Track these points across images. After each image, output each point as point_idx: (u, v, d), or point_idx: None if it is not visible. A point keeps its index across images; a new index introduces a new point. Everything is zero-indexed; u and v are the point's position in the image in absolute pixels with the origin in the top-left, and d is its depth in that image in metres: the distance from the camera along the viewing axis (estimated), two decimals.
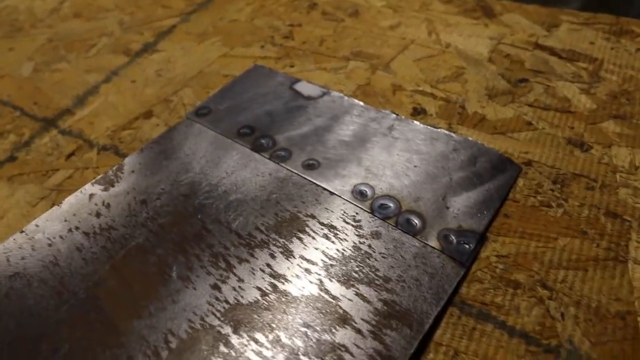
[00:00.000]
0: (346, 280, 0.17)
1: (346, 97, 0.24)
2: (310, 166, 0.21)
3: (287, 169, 0.21)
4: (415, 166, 0.20)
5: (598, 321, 0.15)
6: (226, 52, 0.30)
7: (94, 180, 0.22)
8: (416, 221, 0.18)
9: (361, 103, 0.24)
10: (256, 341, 0.15)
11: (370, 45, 0.28)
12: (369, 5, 0.32)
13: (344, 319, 0.16)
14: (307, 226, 0.19)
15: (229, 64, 0.29)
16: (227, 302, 0.16)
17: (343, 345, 0.15)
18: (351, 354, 0.15)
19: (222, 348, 0.15)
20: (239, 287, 0.17)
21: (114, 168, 0.23)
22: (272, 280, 0.17)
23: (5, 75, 0.33)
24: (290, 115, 0.24)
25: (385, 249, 0.17)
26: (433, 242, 0.17)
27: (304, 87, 0.25)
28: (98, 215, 0.20)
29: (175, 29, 0.33)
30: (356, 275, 0.17)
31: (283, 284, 0.17)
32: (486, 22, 0.28)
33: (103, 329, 0.16)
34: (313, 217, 0.19)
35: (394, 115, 0.23)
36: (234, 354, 0.15)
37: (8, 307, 0.17)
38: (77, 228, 0.20)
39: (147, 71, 0.30)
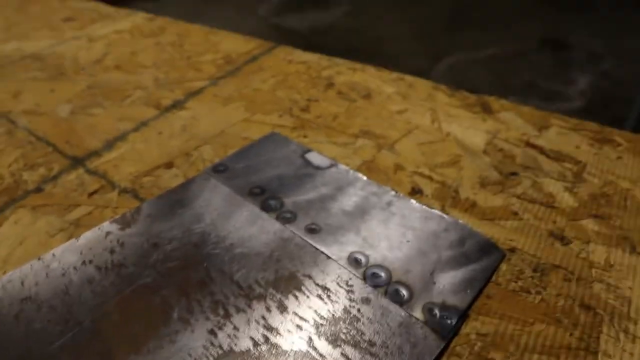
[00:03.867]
0: (334, 340, 0.18)
1: (351, 171, 0.27)
2: (312, 230, 0.23)
3: (291, 231, 0.23)
4: (408, 241, 0.22)
5: None
6: (247, 116, 0.33)
7: (112, 219, 0.24)
8: (404, 292, 0.20)
9: (365, 177, 0.26)
10: None
11: (378, 126, 0.32)
12: (380, 91, 0.36)
13: None
14: (303, 285, 0.20)
15: (249, 127, 0.32)
16: (221, 347, 0.18)
17: None
18: None
19: None
20: (234, 335, 0.18)
21: (132, 210, 0.25)
22: (265, 332, 0.18)
23: (43, 113, 0.36)
24: (299, 181, 0.26)
25: (373, 314, 0.19)
26: (418, 314, 0.19)
27: (314, 157, 0.28)
28: (112, 252, 0.22)
29: (203, 91, 0.37)
30: (343, 337, 0.18)
31: (275, 337, 0.18)
32: (484, 117, 0.32)
33: (102, 359, 0.17)
34: (310, 277, 0.21)
35: (394, 192, 0.25)
36: None
37: (16, 328, 0.19)
38: (90, 262, 0.22)
39: (174, 125, 0.33)
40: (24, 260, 0.23)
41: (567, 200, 0.25)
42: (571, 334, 0.19)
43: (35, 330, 0.19)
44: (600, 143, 0.29)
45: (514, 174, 0.27)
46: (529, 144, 0.29)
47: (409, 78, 0.37)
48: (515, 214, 0.24)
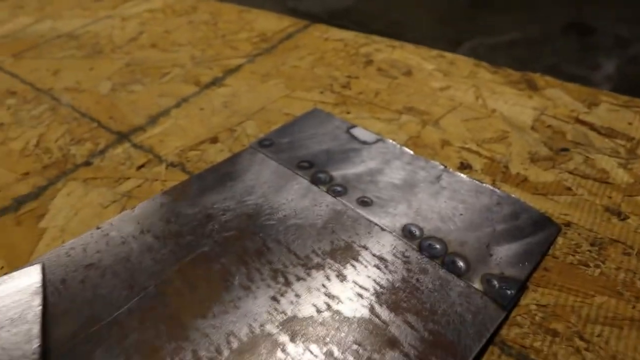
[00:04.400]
0: (395, 308, 0.18)
1: (398, 146, 0.27)
2: (364, 203, 0.23)
3: (343, 203, 0.23)
4: (460, 214, 0.22)
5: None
6: (287, 93, 0.34)
7: (165, 191, 0.25)
8: (461, 263, 0.20)
9: (412, 152, 0.26)
10: (311, 352, 0.17)
11: (422, 102, 0.31)
12: (420, 68, 0.35)
13: (393, 343, 0.17)
14: (360, 255, 0.20)
15: (290, 104, 0.32)
16: (284, 313, 0.18)
17: None
18: None
19: (279, 354, 0.17)
20: (296, 301, 0.19)
21: (183, 183, 0.25)
22: (327, 300, 0.19)
23: (84, 90, 0.37)
24: (346, 155, 0.26)
25: (432, 284, 0.19)
26: (476, 284, 0.19)
27: (359, 133, 0.28)
28: (168, 222, 0.23)
29: (241, 68, 0.37)
30: (404, 305, 0.18)
31: (337, 304, 0.18)
32: (530, 94, 0.31)
33: (170, 322, 0.18)
34: (366, 248, 0.21)
35: (442, 167, 0.25)
36: (277, 356, 0.17)
37: (83, 293, 0.19)
38: (148, 231, 0.22)
39: (214, 102, 0.33)
40: (81, 229, 0.24)
41: (621, 176, 0.25)
42: (633, 307, 0.19)
43: (102, 295, 0.19)
44: None
45: (564, 149, 0.26)
46: (578, 120, 0.29)
47: (449, 55, 0.37)
48: (569, 189, 0.24)
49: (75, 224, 0.25)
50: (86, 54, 0.42)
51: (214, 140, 0.30)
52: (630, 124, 0.28)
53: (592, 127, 0.28)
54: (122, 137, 0.31)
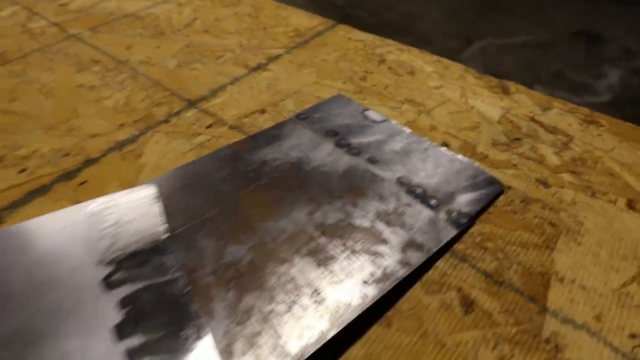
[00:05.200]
0: (387, 223, 0.29)
1: (399, 125, 0.38)
2: (372, 160, 0.34)
3: (357, 160, 0.34)
4: (438, 173, 0.33)
5: (527, 277, 0.27)
6: (318, 80, 0.44)
7: (229, 144, 0.36)
8: (434, 202, 0.31)
9: (408, 131, 0.37)
10: (333, 242, 0.28)
11: (419, 96, 0.42)
12: (422, 69, 0.46)
13: (384, 242, 0.28)
14: (367, 193, 0.31)
15: (320, 89, 0.43)
16: (317, 221, 0.29)
17: (380, 254, 0.27)
18: (384, 258, 0.27)
19: (312, 243, 0.28)
20: (325, 215, 0.29)
21: (242, 140, 0.36)
22: (344, 216, 0.29)
23: (155, 64, 0.47)
24: (360, 129, 0.37)
25: (412, 212, 0.30)
26: (442, 215, 0.30)
27: (371, 114, 0.39)
28: (235, 163, 0.33)
29: (280, 57, 0.48)
30: (393, 222, 0.29)
31: (350, 218, 0.29)
32: (502, 97, 0.42)
33: (243, 226, 0.29)
34: (372, 189, 0.32)
35: (429, 142, 0.36)
36: (321, 246, 0.27)
37: (182, 203, 0.30)
38: (222, 168, 0.33)
39: (261, 83, 0.44)
40: (170, 166, 0.35)
41: (553, 160, 0.35)
42: (539, 238, 0.30)
43: (196, 205, 0.30)
44: (588, 123, 0.39)
45: (518, 139, 0.37)
46: (533, 119, 0.39)
47: (445, 61, 0.47)
48: (515, 165, 0.35)
49: (165, 162, 0.36)
50: (151, 34, 0.52)
51: (262, 111, 0.40)
52: (570, 125, 0.39)
53: (541, 125, 0.39)
54: (190, 103, 0.42)
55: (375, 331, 0.25)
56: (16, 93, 0.44)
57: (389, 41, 0.50)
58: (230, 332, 0.23)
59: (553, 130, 0.38)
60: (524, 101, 0.42)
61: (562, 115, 0.40)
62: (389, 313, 0.26)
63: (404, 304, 0.26)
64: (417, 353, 0.24)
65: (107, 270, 0.25)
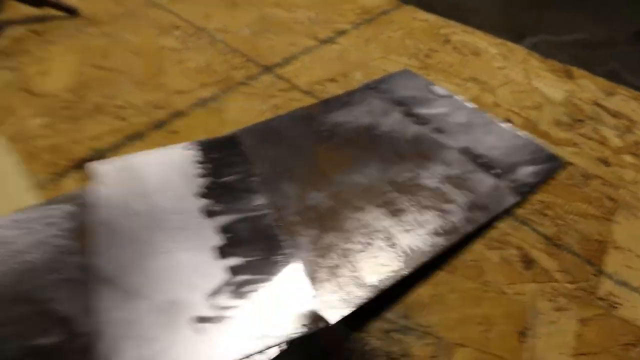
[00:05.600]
0: (455, 185, 0.32)
1: (463, 100, 0.40)
2: (438, 130, 0.36)
3: (424, 129, 0.36)
4: (500, 147, 0.35)
5: (585, 242, 0.29)
6: (384, 55, 0.47)
7: (304, 106, 0.39)
8: (498, 171, 0.33)
9: (472, 105, 0.39)
10: (404, 196, 0.31)
11: (483, 76, 0.44)
12: (486, 51, 0.47)
13: (451, 201, 0.31)
14: (433, 159, 0.34)
15: (386, 63, 0.45)
16: (389, 177, 0.32)
17: (447, 211, 0.30)
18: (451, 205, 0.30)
19: (384, 196, 0.31)
20: (396, 172, 0.32)
21: (316, 103, 0.39)
22: (413, 175, 0.32)
23: (231, 32, 0.51)
24: (427, 101, 0.40)
25: (478, 179, 0.32)
26: (504, 183, 0.32)
27: (436, 89, 0.41)
28: (310, 122, 0.37)
29: (348, 32, 0.50)
30: (460, 185, 0.32)
31: (418, 179, 0.32)
32: (565, 80, 0.43)
33: (321, 176, 0.32)
34: (437, 155, 0.34)
35: (492, 118, 0.38)
36: (392, 199, 0.30)
37: (267, 151, 0.34)
38: (298, 126, 0.36)
39: (331, 54, 0.47)
40: (249, 122, 0.38)
41: (615, 142, 0.37)
42: (597, 209, 0.31)
43: (277, 155, 0.34)
44: None
45: (580, 120, 0.39)
46: (596, 103, 0.41)
47: (509, 44, 0.49)
48: (576, 144, 0.36)
49: (245, 118, 0.39)
50: (226, 4, 0.56)
51: (333, 80, 0.43)
52: (633, 110, 0.40)
53: (605, 109, 0.40)
54: (266, 69, 0.45)
55: (441, 275, 0.28)
56: (108, 51, 0.49)
57: (453, 22, 0.52)
58: (314, 262, 0.26)
59: (616, 115, 0.39)
60: (588, 86, 0.43)
61: (625, 101, 0.41)
62: (454, 262, 0.28)
63: (467, 255, 0.29)
64: (479, 297, 0.27)
65: (206, 201, 0.29)
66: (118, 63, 0.47)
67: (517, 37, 0.55)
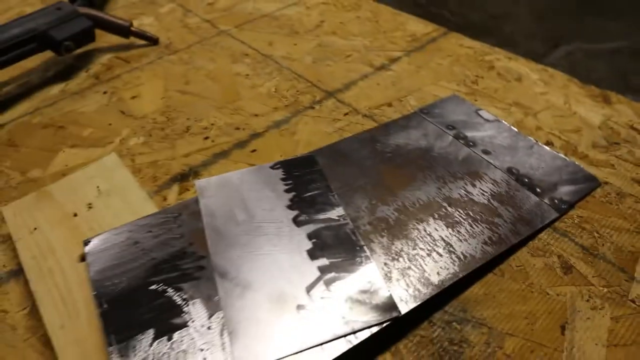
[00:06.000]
0: (501, 202, 0.37)
1: (508, 124, 0.45)
2: (485, 152, 0.42)
3: (473, 151, 0.42)
4: (542, 167, 0.41)
5: (619, 253, 0.34)
6: (435, 81, 0.52)
7: (366, 130, 0.45)
8: (539, 190, 0.39)
9: (516, 129, 0.45)
10: (458, 211, 0.36)
11: (526, 101, 0.49)
12: (528, 76, 0.53)
13: (499, 215, 0.36)
14: (482, 178, 0.40)
15: (437, 89, 0.51)
16: (444, 194, 0.38)
17: (495, 224, 0.35)
18: (500, 224, 0.35)
19: (441, 210, 0.36)
20: (449, 190, 0.38)
21: (376, 127, 0.45)
22: (465, 192, 0.38)
23: (295, 59, 0.58)
24: (474, 126, 0.45)
25: (521, 197, 0.38)
26: (546, 200, 0.38)
27: (484, 113, 0.47)
28: (374, 145, 0.43)
29: (400, 59, 0.57)
30: (505, 202, 0.37)
31: (471, 195, 0.38)
32: (603, 106, 0.48)
33: (387, 191, 0.38)
34: (486, 174, 0.40)
35: (535, 141, 0.43)
36: (449, 213, 0.36)
37: (337, 171, 0.40)
38: (364, 148, 0.42)
39: (386, 80, 0.53)
40: (319, 144, 0.45)
41: None
42: (631, 224, 0.36)
43: (348, 173, 0.40)
44: None
45: (616, 143, 0.43)
46: (632, 127, 0.45)
47: (550, 70, 0.54)
48: (612, 165, 0.41)
49: (315, 140, 0.46)
50: (287, 33, 0.63)
51: (389, 104, 0.49)
52: None
53: None
54: (329, 94, 0.52)
55: (491, 278, 0.33)
56: (188, 77, 0.57)
57: (497, 49, 0.57)
58: (386, 264, 0.32)
59: None
60: (625, 110, 0.47)
61: None
62: (502, 266, 0.34)
63: (513, 261, 0.34)
64: (525, 297, 0.32)
65: (294, 212, 0.36)
66: (198, 88, 0.55)
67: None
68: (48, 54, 0.64)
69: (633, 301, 0.31)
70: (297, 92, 0.53)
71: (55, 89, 0.58)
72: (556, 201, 0.38)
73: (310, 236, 0.34)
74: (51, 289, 0.33)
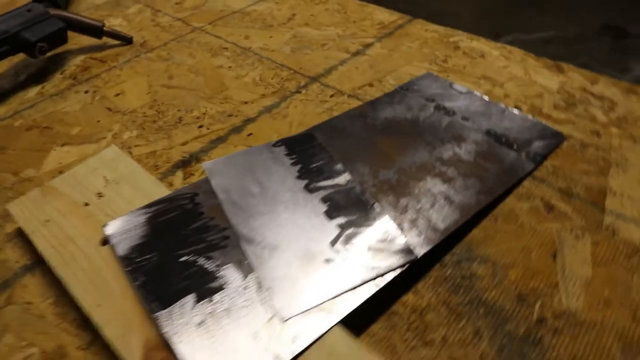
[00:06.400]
0: (483, 158, 0.42)
1: (480, 94, 0.50)
2: (464, 118, 0.47)
3: (453, 118, 0.47)
4: (515, 128, 0.46)
5: (590, 191, 0.40)
6: (408, 62, 0.57)
7: (356, 107, 0.48)
8: (515, 146, 0.43)
9: (487, 98, 0.50)
10: (447, 170, 0.40)
11: (492, 73, 0.55)
12: (490, 53, 0.58)
13: (482, 169, 0.41)
14: (464, 139, 0.44)
15: (411, 69, 0.56)
16: (435, 155, 0.42)
17: (484, 177, 0.40)
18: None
19: (437, 170, 0.40)
20: (439, 152, 0.42)
21: (363, 104, 0.49)
22: (453, 154, 0.42)
23: (274, 50, 0.60)
24: (451, 97, 0.50)
25: (500, 152, 0.43)
26: (523, 155, 0.43)
27: (457, 87, 0.52)
28: (365, 119, 0.46)
29: (373, 45, 0.61)
30: (486, 157, 0.42)
31: (459, 153, 0.42)
32: (558, 74, 0.54)
33: (381, 155, 0.42)
34: (467, 137, 0.44)
35: (504, 107, 0.49)
36: (442, 171, 0.40)
37: (336, 142, 0.43)
38: (355, 123, 0.46)
39: (363, 64, 0.57)
40: (311, 123, 0.48)
41: (602, 118, 0.48)
42: (595, 168, 0.42)
43: (345, 145, 0.43)
44: (628, 93, 0.51)
45: (573, 104, 0.50)
46: (584, 90, 0.52)
47: (508, 47, 0.60)
48: (573, 122, 0.47)
49: (307, 120, 0.49)
50: (261, 27, 0.66)
51: (371, 85, 0.53)
52: (613, 94, 0.51)
53: (591, 94, 0.51)
54: (312, 79, 0.55)
55: (486, 223, 0.38)
56: (171, 72, 0.58)
57: (459, 31, 0.63)
58: (397, 218, 0.36)
59: (601, 98, 0.51)
60: (576, 77, 0.54)
61: (607, 87, 0.52)
62: (495, 212, 0.38)
63: (504, 207, 0.39)
64: (518, 235, 0.36)
65: (304, 181, 0.38)
66: (183, 82, 0.56)
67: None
68: (15, 59, 0.63)
69: (606, 228, 0.37)
70: (281, 80, 0.55)
71: (31, 92, 0.57)
72: (531, 155, 0.43)
73: (324, 200, 0.37)
74: (78, 273, 0.34)
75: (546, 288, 0.33)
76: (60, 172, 0.44)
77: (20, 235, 0.40)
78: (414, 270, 0.34)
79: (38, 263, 0.37)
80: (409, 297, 0.33)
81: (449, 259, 0.35)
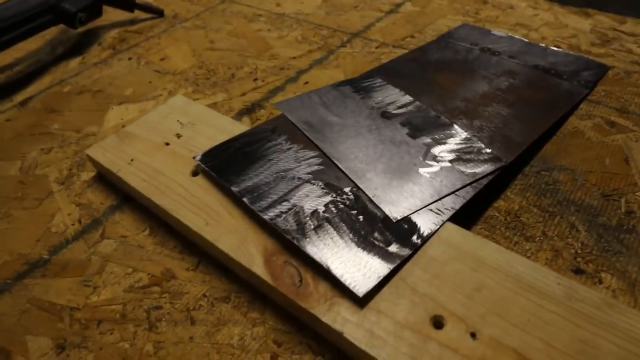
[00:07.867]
0: (538, 88, 0.44)
1: (518, 37, 0.53)
2: (511, 57, 0.49)
3: (501, 57, 0.49)
4: (562, 61, 0.48)
5: (633, 103, 0.42)
6: (442, 16, 0.59)
7: (406, 52, 0.50)
8: (565, 76, 0.46)
9: (525, 39, 0.52)
10: (511, 97, 0.42)
11: (525, 20, 0.57)
12: (518, 4, 0.61)
13: (545, 93, 0.43)
14: (517, 73, 0.46)
15: (447, 22, 0.58)
16: (495, 87, 0.44)
17: (546, 100, 0.42)
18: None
19: (498, 97, 0.42)
20: (497, 84, 0.44)
21: (413, 50, 0.51)
22: (510, 84, 0.44)
23: (309, 14, 0.62)
24: (492, 41, 0.52)
25: (554, 82, 0.45)
26: (574, 82, 0.45)
27: (497, 32, 0.54)
28: (418, 62, 0.48)
29: (403, 4, 0.63)
30: (544, 87, 0.44)
31: (515, 85, 0.44)
32: (586, 17, 0.57)
33: (444, 91, 0.43)
34: (519, 71, 0.46)
35: (545, 46, 0.51)
36: (504, 98, 0.42)
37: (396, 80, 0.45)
38: (409, 65, 0.48)
39: (400, 20, 0.59)
40: (364, 70, 0.49)
41: (637, 50, 0.50)
42: (638, 88, 0.44)
43: (408, 83, 0.45)
44: None
45: (608, 41, 0.52)
46: (615, 29, 0.55)
47: None
48: (612, 55, 0.50)
49: (359, 68, 0.50)
50: None
51: (412, 36, 0.55)
52: None
53: (623, 32, 0.54)
54: (354, 35, 0.56)
55: (556, 139, 0.40)
56: (211, 37, 0.59)
57: None
58: (475, 136, 0.38)
59: (632, 34, 0.53)
60: (603, 19, 0.57)
61: (635, 26, 0.55)
62: (561, 130, 0.40)
63: (569, 125, 0.41)
64: (588, 147, 0.39)
65: (379, 110, 0.40)
66: (226, 44, 0.57)
67: None
68: (48, 36, 0.63)
69: None
70: (324, 37, 0.57)
71: (73, 63, 0.57)
72: (582, 82, 0.45)
73: (403, 124, 0.38)
74: (177, 200, 0.34)
75: (627, 187, 0.35)
76: (123, 127, 0.44)
77: (100, 180, 0.40)
78: (499, 180, 0.36)
79: (125, 201, 0.38)
80: (499, 203, 0.35)
81: (529, 170, 0.37)
